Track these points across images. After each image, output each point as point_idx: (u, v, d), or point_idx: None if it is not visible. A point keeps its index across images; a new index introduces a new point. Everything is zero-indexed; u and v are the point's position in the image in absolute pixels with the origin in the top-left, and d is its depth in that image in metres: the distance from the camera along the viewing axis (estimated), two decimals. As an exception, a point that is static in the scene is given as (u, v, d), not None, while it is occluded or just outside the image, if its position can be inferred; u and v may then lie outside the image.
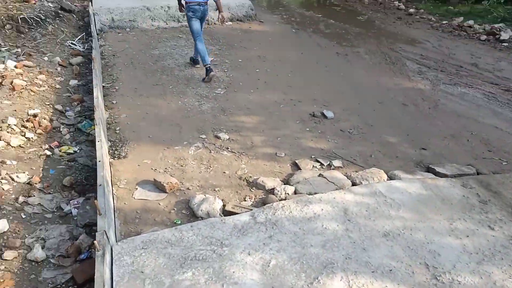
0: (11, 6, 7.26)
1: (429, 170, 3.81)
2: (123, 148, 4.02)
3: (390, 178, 3.63)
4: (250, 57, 6.90)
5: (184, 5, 5.67)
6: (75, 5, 9.17)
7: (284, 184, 3.55)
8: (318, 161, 3.95)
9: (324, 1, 13.13)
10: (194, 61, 6.34)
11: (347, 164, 3.94)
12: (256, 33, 8.51)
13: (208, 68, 5.63)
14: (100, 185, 2.89)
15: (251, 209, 3.08)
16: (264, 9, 11.28)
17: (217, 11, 5.99)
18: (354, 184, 3.53)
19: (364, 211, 3.00)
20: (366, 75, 6.33)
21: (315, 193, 3.30)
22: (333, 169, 3.84)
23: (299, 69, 6.43)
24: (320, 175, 3.68)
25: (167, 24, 8.49)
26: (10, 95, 4.63)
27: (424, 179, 3.47)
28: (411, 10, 10.94)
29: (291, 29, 9.06)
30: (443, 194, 3.22)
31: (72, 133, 4.34)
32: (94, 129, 3.85)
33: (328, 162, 3.93)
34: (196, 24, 5.67)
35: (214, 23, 8.85)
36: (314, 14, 10.85)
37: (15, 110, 4.32)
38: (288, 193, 3.37)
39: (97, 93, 4.36)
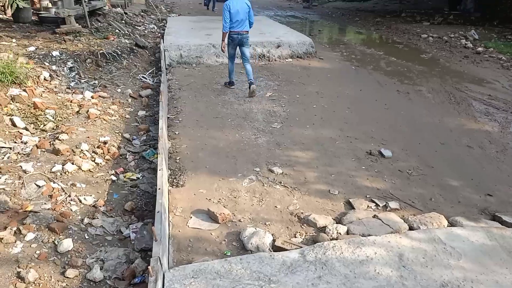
0: (93, 43, 8.08)
1: (494, 218, 3.55)
2: (182, 177, 4.20)
3: (451, 224, 3.43)
4: (307, 92, 6.99)
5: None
6: (148, 42, 9.99)
7: (336, 223, 3.48)
8: (373, 201, 3.84)
9: (387, 39, 13.06)
10: (229, 83, 7.24)
11: (404, 207, 3.79)
12: (315, 69, 8.64)
13: (230, 82, 7.17)
14: (158, 212, 3.04)
15: (301, 247, 3.04)
16: (325, 46, 11.47)
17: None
18: (411, 228, 3.38)
19: (421, 258, 2.85)
20: (428, 114, 6.12)
21: (369, 235, 3.20)
22: (389, 210, 3.71)
23: (357, 106, 6.38)
24: (374, 216, 3.56)
25: (230, 60, 8.89)
26: (85, 123, 5.08)
27: (488, 228, 3.23)
28: (480, 49, 10.52)
29: (351, 66, 9.09)
30: (510, 246, 2.97)
31: (136, 161, 4.62)
32: (157, 157, 4.09)
33: (384, 203, 3.81)
34: (231, 50, 6.77)
35: (275, 60, 9.14)
36: (375, 51, 10.82)
37: (88, 137, 4.72)
38: (340, 233, 3.30)
39: (162, 124, 4.64)
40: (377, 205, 3.79)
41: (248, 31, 6.59)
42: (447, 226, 3.39)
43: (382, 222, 3.44)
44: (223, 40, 6.60)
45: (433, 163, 4.60)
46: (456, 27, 13.57)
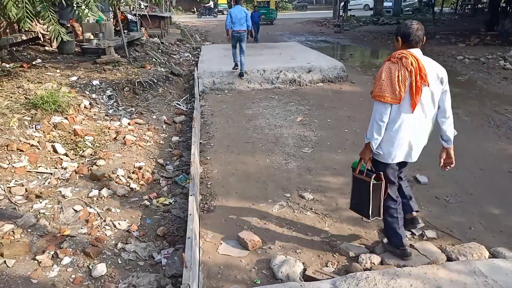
0: (131, 72, 8.46)
1: (542, 250, 3.31)
2: (212, 202, 4.24)
3: (493, 255, 3.24)
4: (339, 117, 6.94)
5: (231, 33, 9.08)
6: (183, 69, 10.34)
7: (370, 252, 3.37)
8: (409, 230, 3.69)
9: (420, 61, 12.84)
10: (235, 66, 9.48)
11: (442, 236, 3.62)
12: (346, 93, 8.60)
13: (238, 70, 9.31)
14: (189, 238, 3.06)
15: (333, 277, 2.96)
16: (357, 70, 11.43)
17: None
18: (449, 259, 3.21)
19: (460, 291, 2.70)
20: (466, 138, 5.90)
21: (404, 266, 3.07)
22: (425, 240, 3.56)
23: (390, 131, 6.25)
24: (410, 245, 3.42)
25: (261, 86, 9.05)
26: (121, 148, 5.27)
27: (535, 261, 3.03)
28: (520, 69, 10.14)
29: (384, 90, 8.96)
30: (560, 281, 2.76)
31: (169, 186, 4.72)
32: (189, 183, 4.16)
33: (420, 232, 3.65)
34: (234, 43, 9.27)
35: (306, 84, 9.19)
36: (408, 74, 10.64)
37: (124, 163, 4.88)
38: (373, 263, 3.19)
39: (194, 150, 4.74)
40: (412, 234, 3.64)
41: (245, 30, 9.02)
42: (488, 257, 3.20)
43: (418, 252, 3.30)
44: (227, 34, 9.23)
45: (472, 190, 4.40)
46: (493, 48, 13.18)
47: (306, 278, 3.03)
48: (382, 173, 3.08)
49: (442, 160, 3.28)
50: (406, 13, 33.77)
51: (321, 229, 3.73)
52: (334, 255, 3.36)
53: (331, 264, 3.25)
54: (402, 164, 3.20)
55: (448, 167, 3.33)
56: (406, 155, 3.07)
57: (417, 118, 2.93)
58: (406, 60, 2.81)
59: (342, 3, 26.70)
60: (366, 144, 3.06)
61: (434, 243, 3.47)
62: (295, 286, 2.79)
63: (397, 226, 3.17)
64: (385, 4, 33.49)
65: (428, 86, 2.85)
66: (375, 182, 3.06)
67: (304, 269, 3.14)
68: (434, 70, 2.90)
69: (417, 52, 2.90)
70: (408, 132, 2.95)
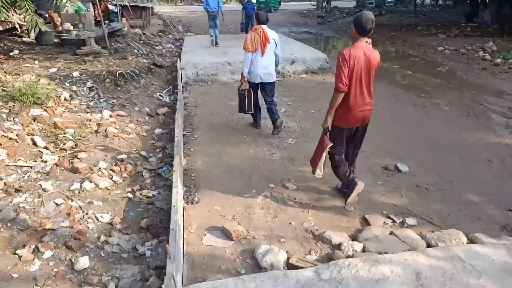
0: (112, 63, 8.31)
1: (517, 235, 3.43)
2: (196, 193, 4.23)
3: (471, 241, 3.33)
4: (322, 108, 6.92)
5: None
6: (165, 61, 10.21)
7: (352, 240, 3.43)
8: (389, 218, 3.77)
9: (403, 53, 13.01)
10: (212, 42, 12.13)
11: (422, 223, 3.71)
12: (330, 84, 8.56)
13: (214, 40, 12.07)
14: (172, 229, 3.06)
15: (316, 265, 3.01)
16: (340, 61, 11.47)
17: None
18: (429, 245, 3.30)
19: (439, 276, 2.77)
20: (446, 128, 6.03)
21: (385, 253, 3.13)
22: (406, 227, 3.64)
23: (372, 121, 6.24)
24: (391, 233, 3.50)
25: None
26: (103, 141, 5.20)
27: (510, 245, 3.13)
28: (498, 61, 10.36)
29: (366, 81, 9.05)
30: (534, 265, 2.86)
31: (152, 178, 4.68)
32: (173, 175, 4.13)
33: (401, 220, 3.74)
34: (210, 22, 11.90)
35: (289, 76, 9.19)
36: (390, 65, 10.77)
37: (106, 155, 4.82)
38: (355, 250, 3.24)
39: (178, 141, 4.71)
40: (394, 221, 3.72)
41: (218, 10, 11.72)
42: (467, 243, 3.30)
43: (399, 239, 3.38)
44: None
45: (451, 178, 4.51)
46: (473, 39, 13.42)
47: (290, 266, 3.07)
48: (251, 89, 5.62)
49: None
50: (388, 4, 34.01)
51: (305, 218, 3.77)
52: (317, 244, 3.41)
53: (314, 252, 3.30)
54: (262, 85, 5.68)
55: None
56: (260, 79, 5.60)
57: (265, 60, 5.49)
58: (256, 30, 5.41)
59: (326, -5, 26.71)
60: (241, 74, 5.59)
61: (415, 230, 3.55)
62: (279, 274, 2.82)
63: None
64: (368, -5, 33.61)
65: (269, 43, 5.42)
66: (247, 93, 5.63)
67: (288, 258, 3.17)
68: (272, 37, 5.49)
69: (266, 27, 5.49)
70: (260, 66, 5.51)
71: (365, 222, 3.72)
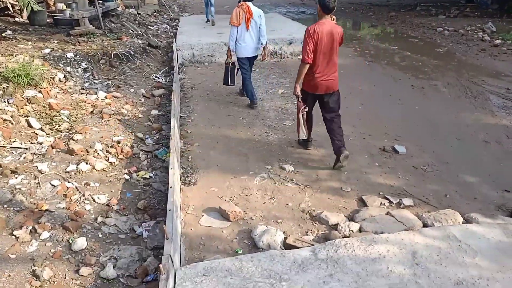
0: (107, 44, 8.18)
1: (512, 215, 3.45)
2: (194, 175, 4.22)
3: (467, 221, 3.36)
4: (320, 89, 6.92)
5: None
6: (161, 41, 10.06)
7: (349, 220, 3.45)
8: (386, 198, 3.79)
9: (401, 33, 12.86)
10: (207, 21, 12.25)
11: (418, 203, 3.72)
12: (328, 66, 8.54)
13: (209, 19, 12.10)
14: (170, 210, 3.05)
15: (313, 244, 3.02)
16: (338, 42, 11.34)
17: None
18: (425, 225, 3.32)
19: (435, 255, 2.79)
20: (444, 109, 6.00)
21: (382, 233, 3.16)
22: (402, 207, 3.66)
23: (370, 102, 6.31)
24: (388, 213, 3.52)
25: (242, 58, 8.89)
26: (99, 123, 5.15)
27: (506, 225, 3.15)
28: (497, 42, 10.27)
29: (364, 62, 8.98)
30: (529, 244, 2.89)
31: (149, 159, 4.66)
32: (169, 156, 4.11)
33: (398, 200, 3.75)
34: (205, 0, 12.14)
35: (287, 57, 9.10)
36: (389, 46, 10.67)
37: (102, 137, 4.78)
38: (352, 230, 3.26)
39: (174, 123, 4.67)
40: (390, 202, 3.73)
41: None
42: (463, 223, 3.32)
43: (396, 219, 3.39)
44: None
45: (448, 159, 4.51)
46: (472, 20, 13.26)
47: (287, 246, 3.08)
48: (237, 62, 6.01)
49: (262, 54, 6.07)
50: (387, -16, 33.41)
51: (302, 199, 3.78)
52: (314, 224, 3.42)
53: (311, 232, 3.31)
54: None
55: (266, 59, 6.40)
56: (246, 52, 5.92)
57: (249, 34, 5.81)
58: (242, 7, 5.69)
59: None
60: (228, 48, 5.90)
61: (411, 211, 3.57)
62: (276, 254, 2.84)
63: (249, 83, 6.06)
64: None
65: (253, 18, 5.70)
66: (233, 66, 6.05)
67: (285, 238, 3.19)
68: (257, 13, 5.75)
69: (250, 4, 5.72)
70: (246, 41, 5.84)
71: (362, 203, 3.73)
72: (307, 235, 3.29)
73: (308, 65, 4.10)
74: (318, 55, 4.06)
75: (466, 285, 2.52)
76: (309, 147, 4.76)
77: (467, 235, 3.00)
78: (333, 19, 4.12)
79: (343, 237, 3.14)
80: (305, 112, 4.34)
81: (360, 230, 3.29)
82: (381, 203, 3.72)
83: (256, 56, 6.10)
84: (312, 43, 4.01)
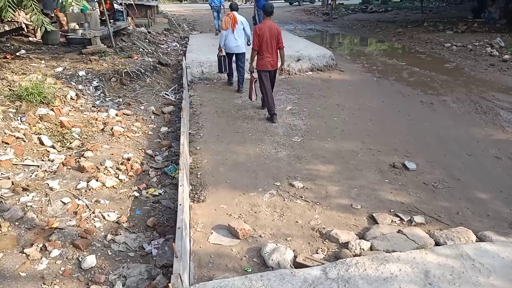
0: (118, 62, 8.33)
1: (527, 233, 3.38)
2: (203, 192, 4.22)
3: (480, 239, 3.29)
4: (328, 105, 6.95)
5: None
6: (170, 59, 10.22)
7: (359, 238, 3.40)
8: (397, 216, 3.74)
9: (409, 49, 12.90)
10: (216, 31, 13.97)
11: (430, 221, 3.67)
12: (335, 82, 8.60)
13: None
14: (179, 228, 3.05)
15: (323, 263, 2.99)
16: (346, 58, 11.43)
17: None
18: (437, 243, 3.26)
19: (448, 275, 2.74)
20: (453, 125, 5.97)
21: (393, 251, 3.11)
22: (414, 225, 3.61)
23: (379, 118, 6.29)
24: (399, 231, 3.47)
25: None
26: (109, 140, 5.21)
27: (521, 244, 3.09)
28: (506, 57, 10.23)
29: (372, 78, 9.00)
30: (545, 263, 2.82)
31: (159, 176, 4.69)
32: (179, 173, 4.13)
33: (409, 218, 3.70)
34: (214, 13, 14.20)
35: (295, 73, 9.16)
36: (397, 62, 10.69)
37: (112, 154, 4.83)
38: (363, 249, 3.22)
39: (183, 140, 4.71)
40: (401, 219, 3.69)
41: (220, 5, 13.89)
42: (476, 241, 3.26)
43: (407, 237, 3.35)
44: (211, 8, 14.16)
45: (459, 176, 4.46)
46: (480, 35, 13.27)
47: (297, 265, 3.05)
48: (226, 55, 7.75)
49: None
50: (394, 1, 33.73)
51: (311, 216, 3.75)
52: (324, 242, 3.39)
53: (321, 250, 3.28)
54: (236, 55, 7.72)
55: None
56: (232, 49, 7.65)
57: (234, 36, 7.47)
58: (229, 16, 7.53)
59: (331, -8, 26.58)
60: (219, 45, 7.65)
61: (423, 228, 3.52)
62: (286, 273, 2.81)
63: (230, 67, 8.09)
64: (374, -8, 33.38)
65: (237, 24, 7.41)
66: (223, 58, 7.74)
67: (295, 256, 3.15)
68: (240, 20, 7.51)
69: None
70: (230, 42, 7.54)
71: (373, 220, 3.69)
72: (317, 253, 3.25)
73: (256, 51, 6.08)
74: (262, 44, 5.97)
75: (481, 306, 2.46)
76: (263, 107, 6.69)
77: (481, 254, 2.94)
78: (272, 20, 6.15)
79: (354, 256, 3.10)
80: (256, 83, 6.49)
81: (371, 248, 3.24)
82: (392, 220, 3.67)
83: (243, 53, 7.70)
84: (258, 37, 5.96)
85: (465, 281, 2.68)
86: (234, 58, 7.90)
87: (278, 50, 6.13)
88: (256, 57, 6.15)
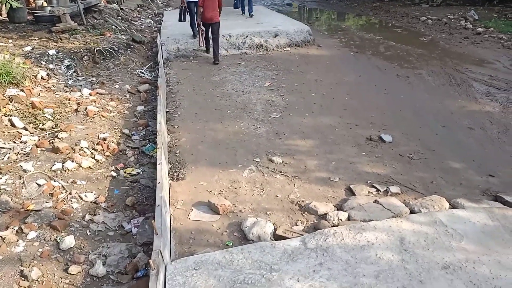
0: (89, 40, 8.05)
1: (496, 199, 3.54)
2: (182, 170, 4.20)
3: (453, 206, 3.42)
4: (306, 81, 6.94)
5: None
6: (145, 36, 9.94)
7: (337, 209, 3.48)
8: (374, 187, 3.83)
9: (386, 23, 12.92)
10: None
11: (405, 191, 3.78)
12: (313, 57, 8.57)
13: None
14: (158, 205, 3.04)
15: (302, 234, 3.04)
16: (323, 33, 11.37)
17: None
18: (412, 212, 3.37)
19: (422, 241, 2.84)
20: (428, 97, 6.07)
21: (370, 220, 3.19)
22: (390, 195, 3.70)
23: (356, 92, 6.34)
24: (375, 201, 3.56)
25: (227, 51, 8.85)
26: (84, 120, 5.08)
27: (490, 209, 3.22)
28: (480, 29, 10.39)
29: (350, 52, 9.01)
30: (513, 226, 2.96)
31: (136, 156, 4.63)
32: (157, 152, 4.08)
33: (385, 188, 3.80)
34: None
35: (273, 49, 9.07)
36: (374, 36, 10.71)
37: (87, 134, 4.72)
38: (341, 219, 3.29)
39: (161, 118, 4.63)
40: (378, 190, 3.78)
41: None
42: (449, 208, 3.38)
43: (383, 207, 3.44)
44: None
45: (434, 146, 4.57)
46: (455, 8, 13.39)
47: (277, 237, 3.10)
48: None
49: None
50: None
51: (291, 190, 3.80)
52: (303, 215, 3.45)
53: (301, 223, 3.34)
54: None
55: None
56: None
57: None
58: None
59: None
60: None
61: (398, 198, 3.62)
62: (266, 245, 2.85)
63: (193, 23, 8.84)
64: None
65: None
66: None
67: (275, 229, 3.20)
68: None
69: None
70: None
71: (350, 192, 3.77)
72: (297, 225, 3.31)
73: (201, 8, 7.60)
74: (205, 3, 7.54)
75: (453, 268, 2.57)
76: (208, 52, 8.39)
77: (453, 220, 3.06)
78: None
79: (332, 226, 3.17)
80: (203, 33, 8.12)
81: (348, 218, 3.32)
82: (368, 191, 3.76)
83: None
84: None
85: (439, 246, 2.78)
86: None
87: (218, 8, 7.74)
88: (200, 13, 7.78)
